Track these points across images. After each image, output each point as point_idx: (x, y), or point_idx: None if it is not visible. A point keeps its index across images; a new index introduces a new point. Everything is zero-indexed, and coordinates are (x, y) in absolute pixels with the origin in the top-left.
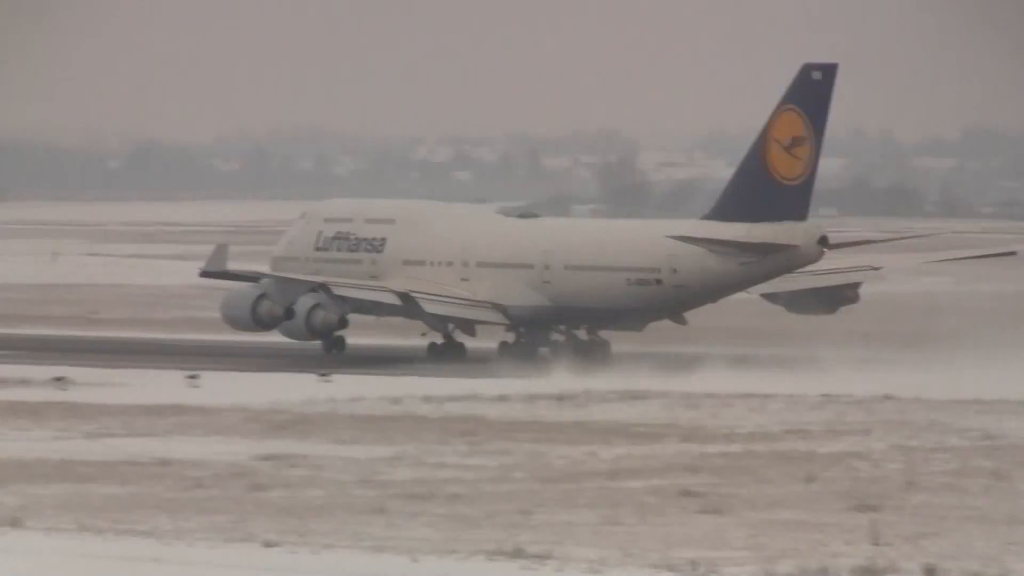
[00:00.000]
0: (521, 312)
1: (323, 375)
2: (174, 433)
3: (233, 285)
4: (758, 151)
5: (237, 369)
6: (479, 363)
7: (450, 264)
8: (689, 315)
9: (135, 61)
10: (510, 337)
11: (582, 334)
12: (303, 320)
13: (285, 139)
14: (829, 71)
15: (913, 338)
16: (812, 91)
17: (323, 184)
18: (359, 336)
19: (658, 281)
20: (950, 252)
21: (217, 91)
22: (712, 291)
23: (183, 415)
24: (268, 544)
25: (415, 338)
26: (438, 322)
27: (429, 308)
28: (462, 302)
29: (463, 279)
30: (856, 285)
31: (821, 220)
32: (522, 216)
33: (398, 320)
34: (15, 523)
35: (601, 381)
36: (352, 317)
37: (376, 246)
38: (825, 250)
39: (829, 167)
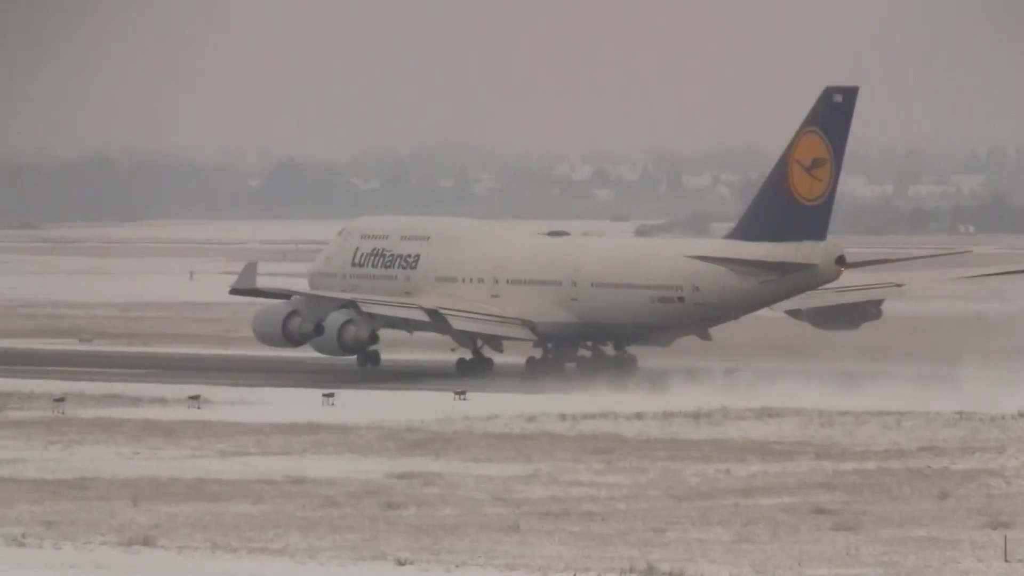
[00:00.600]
0: (549, 328)
1: (459, 394)
2: (309, 451)
3: (264, 302)
4: (780, 172)
5: (373, 387)
6: (602, 379)
7: (481, 281)
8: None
9: (275, 81)
10: (537, 353)
11: (609, 350)
12: (335, 336)
13: (425, 157)
14: (850, 94)
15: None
16: (833, 114)
17: (462, 202)
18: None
19: (681, 299)
20: (973, 269)
21: (357, 109)
22: (733, 308)
23: (318, 433)
24: (401, 562)
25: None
26: (466, 338)
27: (458, 325)
28: (491, 318)
29: (493, 295)
30: (879, 302)
31: (963, 236)
32: (552, 234)
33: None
34: (148, 541)
35: (736, 399)
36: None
37: (410, 263)
38: (843, 269)
39: (967, 184)
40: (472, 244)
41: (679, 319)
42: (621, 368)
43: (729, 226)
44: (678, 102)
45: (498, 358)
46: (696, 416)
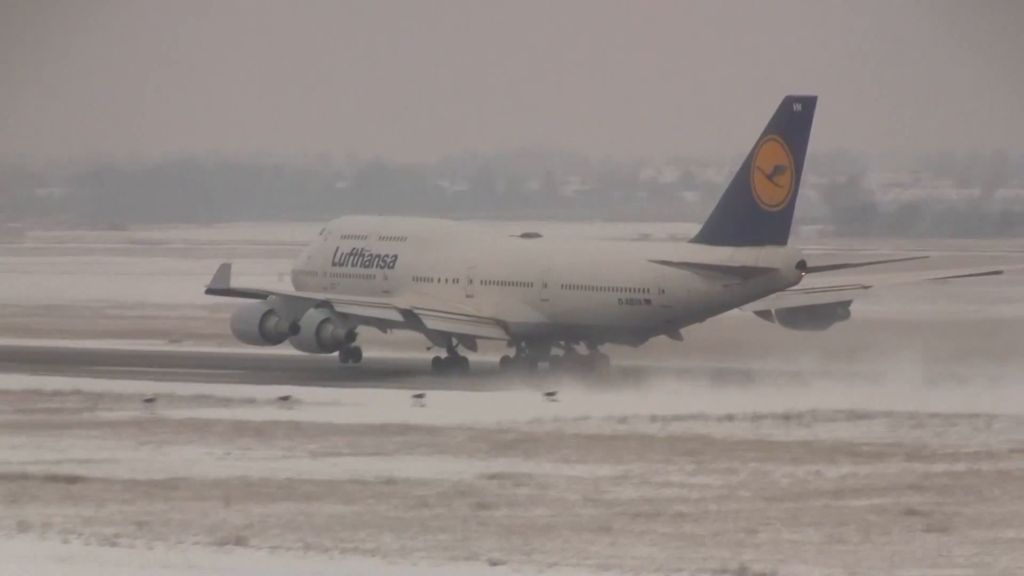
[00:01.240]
0: (522, 328)
1: (549, 395)
2: (400, 452)
3: (241, 301)
4: (744, 178)
5: (464, 388)
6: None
7: (456, 281)
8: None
9: (363, 84)
10: (511, 352)
11: (582, 348)
12: (312, 334)
13: (512, 160)
14: (809, 103)
15: None
16: (793, 122)
17: (549, 205)
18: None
19: (647, 301)
20: (938, 271)
21: (444, 112)
22: (698, 311)
23: (409, 434)
24: (493, 563)
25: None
26: (440, 337)
27: (431, 324)
28: (465, 318)
29: (468, 295)
30: (847, 303)
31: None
32: (525, 236)
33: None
34: (240, 541)
35: (826, 400)
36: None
37: (388, 262)
38: (803, 273)
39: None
40: (447, 245)
41: (646, 321)
42: (593, 367)
43: (818, 228)
44: (764, 105)
45: (472, 356)
46: (786, 418)
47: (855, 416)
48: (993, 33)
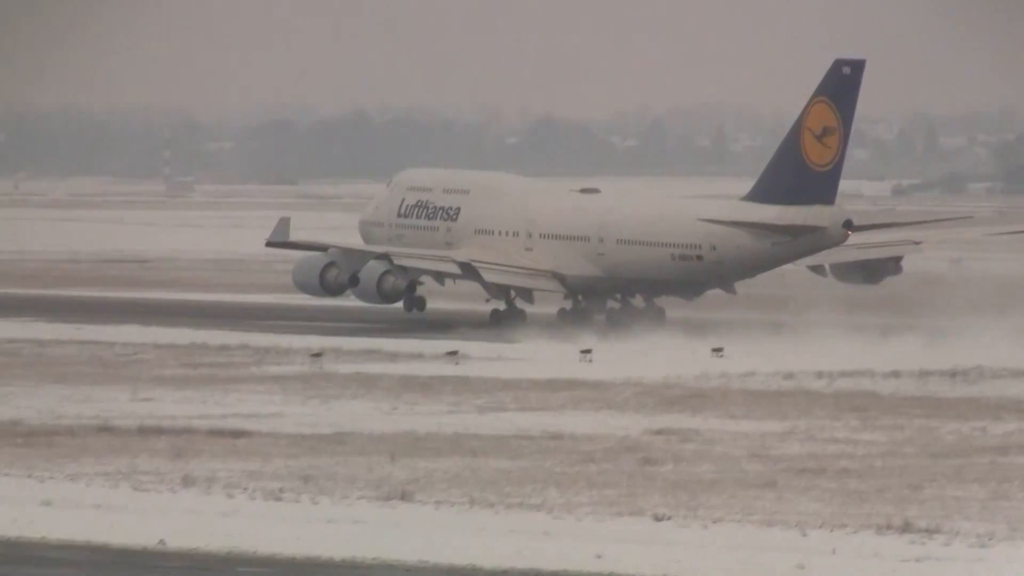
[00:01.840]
0: (578, 281)
1: (716, 350)
2: (566, 407)
3: (302, 254)
4: (793, 139)
5: (630, 343)
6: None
7: (516, 234)
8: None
9: (533, 39)
10: (568, 304)
11: (638, 301)
12: (374, 286)
13: (682, 116)
14: (858, 67)
15: None
16: (842, 84)
17: (719, 161)
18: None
19: (699, 257)
20: (988, 228)
21: (615, 68)
22: (748, 267)
23: (576, 389)
24: (658, 518)
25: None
26: (498, 290)
27: (489, 277)
28: (522, 271)
29: (527, 249)
30: (899, 259)
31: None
32: (584, 191)
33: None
34: (406, 496)
35: (993, 357)
36: None
37: (452, 215)
38: (849, 232)
39: None
40: (508, 199)
41: (698, 276)
42: (650, 319)
43: (986, 186)
44: (935, 62)
45: (529, 309)
46: (952, 375)
47: (1021, 373)
48: None
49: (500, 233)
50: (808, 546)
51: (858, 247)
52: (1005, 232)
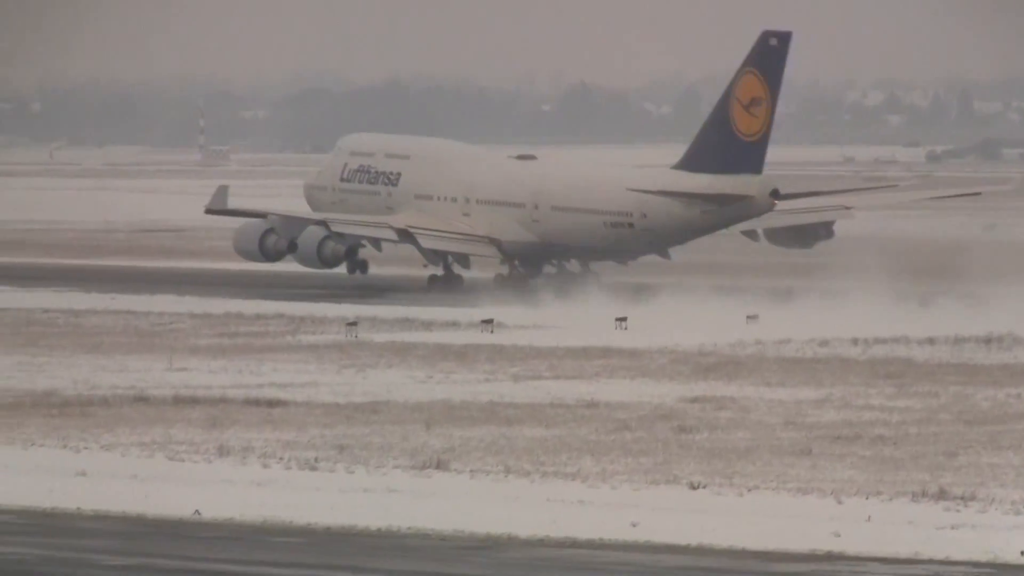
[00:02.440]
0: (514, 247)
1: (751, 317)
2: (601, 375)
3: (242, 220)
4: (722, 109)
5: (665, 310)
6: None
7: (454, 200)
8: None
9: (567, 5)
10: (504, 269)
11: (574, 267)
12: (314, 251)
13: (717, 83)
14: (784, 38)
15: None
16: (769, 56)
17: None
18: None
19: (630, 225)
20: (917, 193)
21: (649, 34)
22: (678, 234)
23: (610, 357)
24: (694, 486)
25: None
26: (435, 256)
27: (426, 243)
28: (459, 237)
29: (465, 214)
30: (830, 223)
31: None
32: (520, 158)
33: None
34: (441, 465)
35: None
36: None
37: (392, 180)
38: (776, 201)
39: None
40: (447, 165)
41: (630, 243)
42: (585, 284)
43: (1020, 151)
44: (970, 27)
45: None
46: (987, 341)
47: None
48: None
49: (439, 199)
50: (843, 514)
51: (791, 212)
52: (933, 198)
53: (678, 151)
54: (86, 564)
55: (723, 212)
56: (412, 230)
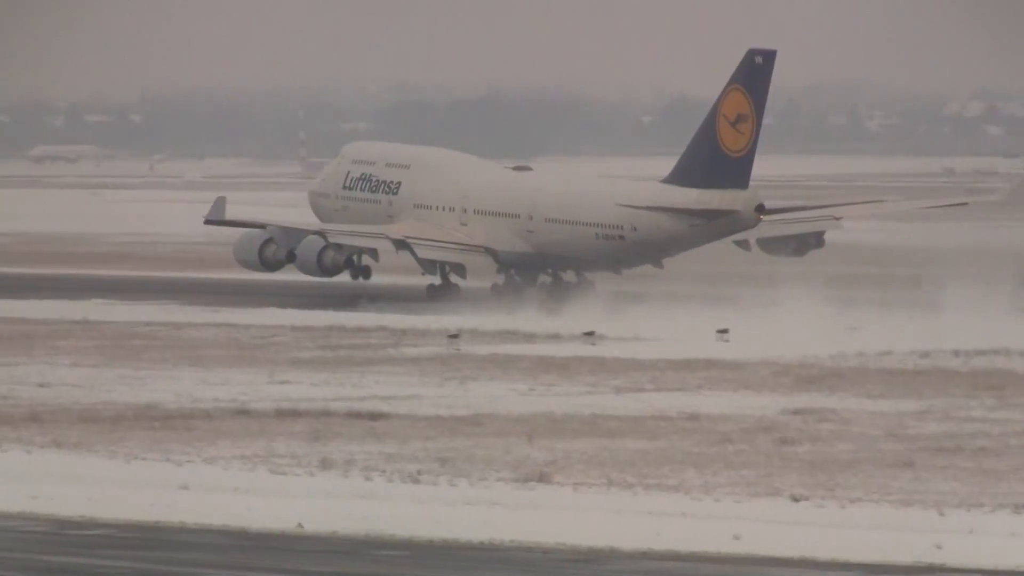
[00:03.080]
0: (509, 257)
1: (851, 329)
2: (703, 387)
3: (242, 231)
4: (709, 125)
5: (766, 322)
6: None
7: (452, 210)
8: None
9: (670, 17)
10: (500, 279)
11: (570, 276)
12: (314, 260)
13: (817, 94)
14: (769, 56)
15: None
16: (755, 73)
17: (853, 139)
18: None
19: (621, 237)
20: (903, 204)
21: (747, 45)
22: (668, 247)
23: (712, 369)
24: (796, 499)
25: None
26: (432, 265)
27: (423, 253)
28: (455, 246)
29: (462, 224)
30: (820, 233)
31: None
32: (517, 168)
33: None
34: (544, 478)
35: None
36: None
37: (393, 189)
38: (762, 216)
39: None
40: (446, 174)
41: (621, 254)
42: (581, 293)
43: None
44: None
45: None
46: None
47: None
48: None
49: (437, 208)
50: (945, 526)
51: (782, 222)
52: (921, 208)
53: (772, 163)
54: None
55: (710, 226)
56: (409, 240)
